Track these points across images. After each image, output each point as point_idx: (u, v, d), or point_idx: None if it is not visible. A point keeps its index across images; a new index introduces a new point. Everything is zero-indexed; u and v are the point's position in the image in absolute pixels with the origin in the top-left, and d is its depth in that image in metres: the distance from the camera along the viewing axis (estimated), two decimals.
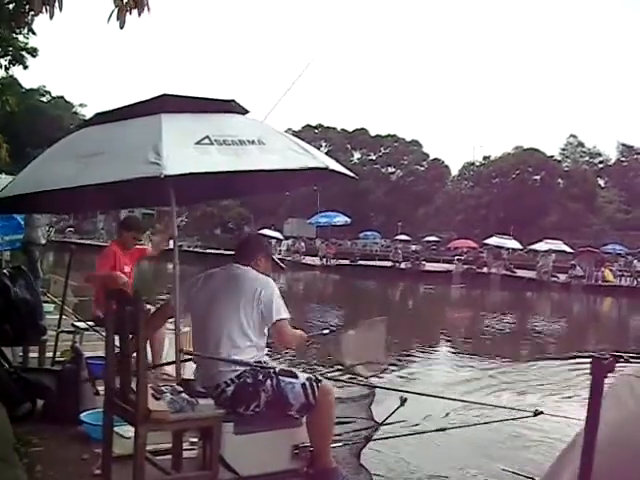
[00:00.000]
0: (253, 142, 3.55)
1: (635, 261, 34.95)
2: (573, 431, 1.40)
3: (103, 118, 3.97)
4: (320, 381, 3.68)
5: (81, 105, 62.93)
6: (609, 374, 1.42)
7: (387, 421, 4.32)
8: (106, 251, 6.13)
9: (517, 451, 6.05)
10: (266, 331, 3.76)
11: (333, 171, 3.87)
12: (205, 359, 3.75)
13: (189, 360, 3.96)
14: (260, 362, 3.66)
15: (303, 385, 3.60)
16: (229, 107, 3.92)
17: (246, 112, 4.02)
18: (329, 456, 3.72)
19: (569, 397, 8.36)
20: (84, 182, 3.38)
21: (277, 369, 3.69)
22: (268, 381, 3.58)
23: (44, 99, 59.65)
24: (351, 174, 4.20)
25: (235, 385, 3.57)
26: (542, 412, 4.56)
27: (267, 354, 3.87)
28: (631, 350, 12.87)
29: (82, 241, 40.73)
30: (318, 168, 3.72)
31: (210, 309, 3.76)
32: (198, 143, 3.41)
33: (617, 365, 1.42)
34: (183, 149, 3.38)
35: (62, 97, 62.48)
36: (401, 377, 9.50)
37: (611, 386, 1.44)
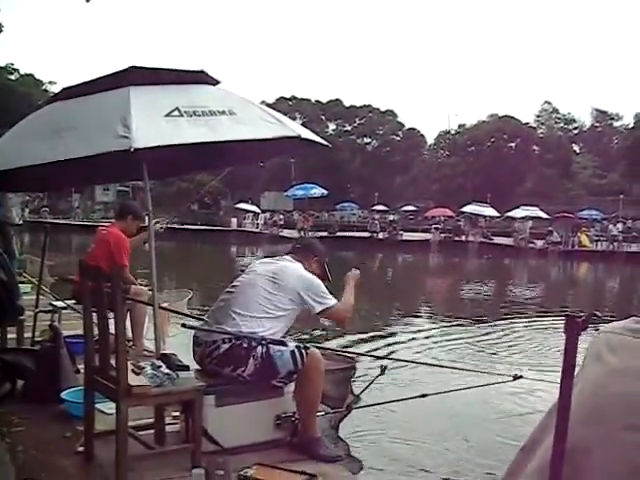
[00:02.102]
0: (224, 113, 3.53)
1: (611, 226, 35.34)
2: (553, 394, 1.41)
3: (70, 93, 3.91)
4: (309, 348, 3.70)
5: (51, 82, 61.67)
6: (582, 332, 1.42)
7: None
8: (120, 236, 5.96)
9: (497, 416, 6.13)
10: (293, 318, 3.90)
11: (306, 140, 3.85)
12: (215, 318, 3.83)
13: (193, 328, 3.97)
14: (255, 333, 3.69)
15: (292, 352, 3.64)
16: (199, 78, 3.88)
17: (217, 83, 3.97)
18: (314, 425, 3.75)
19: (546, 360, 8.48)
20: (53, 158, 3.34)
21: (268, 339, 3.71)
22: (259, 348, 3.62)
23: (12, 77, 58.51)
24: (324, 142, 4.20)
25: (231, 344, 3.63)
26: (521, 376, 4.63)
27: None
28: (606, 312, 13.07)
29: (57, 221, 40.32)
30: (290, 137, 3.70)
31: (249, 281, 3.90)
32: (168, 115, 3.38)
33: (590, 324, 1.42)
34: (152, 122, 3.35)
35: (31, 75, 61.28)
36: (381, 345, 9.57)
37: (590, 344, 1.44)
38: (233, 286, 3.95)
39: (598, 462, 1.25)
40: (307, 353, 3.65)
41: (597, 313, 1.41)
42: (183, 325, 3.96)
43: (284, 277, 3.87)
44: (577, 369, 1.45)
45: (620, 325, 1.39)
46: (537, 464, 1.38)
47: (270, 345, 3.64)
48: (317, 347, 3.95)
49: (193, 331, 3.90)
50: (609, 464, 1.24)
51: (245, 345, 3.62)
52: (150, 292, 4.78)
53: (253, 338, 3.63)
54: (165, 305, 6.12)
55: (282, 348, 3.65)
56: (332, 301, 3.88)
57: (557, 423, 1.33)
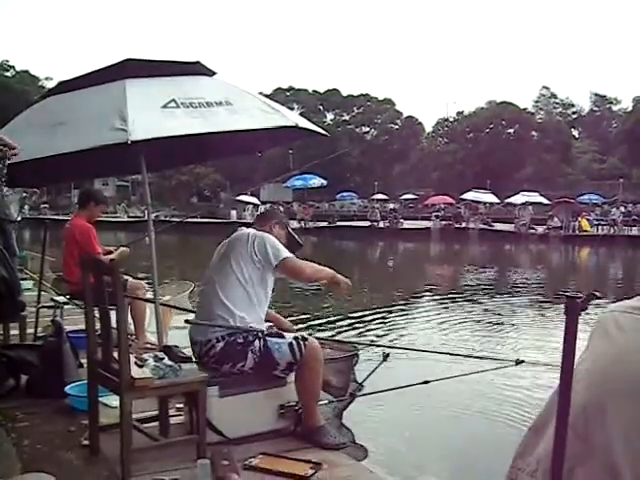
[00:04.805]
0: (220, 103, 3.52)
1: (614, 209, 35.30)
2: (556, 376, 1.41)
3: (67, 87, 3.91)
4: (306, 339, 3.70)
5: (47, 78, 61.53)
6: (582, 312, 1.42)
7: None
8: (83, 225, 5.89)
9: (500, 400, 6.15)
10: (269, 290, 3.78)
11: (303, 129, 3.84)
12: (201, 313, 3.79)
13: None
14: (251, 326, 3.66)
15: (290, 344, 3.62)
16: (195, 69, 3.88)
17: (213, 73, 3.97)
18: (317, 414, 3.75)
19: (548, 342, 8.50)
20: (50, 152, 3.34)
21: (265, 331, 3.69)
22: (256, 342, 3.60)
23: (8, 74, 58.42)
24: (321, 131, 4.18)
25: (225, 342, 3.59)
26: (523, 361, 4.62)
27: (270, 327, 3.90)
28: (609, 294, 13.08)
29: (57, 217, 40.28)
30: (288, 126, 3.69)
31: (214, 269, 3.82)
32: (164, 107, 3.37)
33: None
34: (149, 114, 3.34)
35: (27, 71, 61.19)
36: (383, 332, 9.60)
37: (596, 323, 1.44)
38: (204, 283, 3.88)
39: (616, 440, 1.25)
40: (305, 344, 3.64)
41: (596, 293, 1.40)
42: (186, 321, 3.93)
43: (238, 242, 3.77)
44: (579, 349, 1.45)
45: (627, 304, 1.39)
46: (549, 445, 1.38)
47: (268, 338, 3.62)
48: (318, 338, 3.94)
49: None
50: (628, 442, 1.24)
51: (240, 340, 3.59)
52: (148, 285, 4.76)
53: (249, 331, 3.61)
54: (167, 298, 6.13)
55: (280, 340, 3.63)
56: (289, 254, 3.74)
57: (559, 402, 1.33)
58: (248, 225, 4.04)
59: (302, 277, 3.90)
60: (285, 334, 3.73)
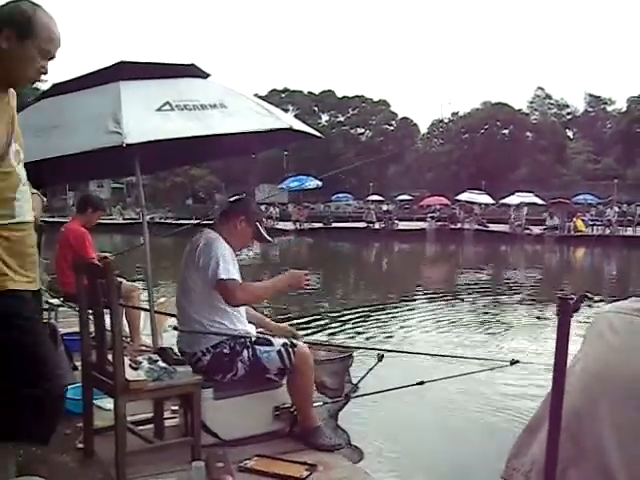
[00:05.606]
0: (215, 106, 3.52)
1: (609, 210, 35.39)
2: (550, 377, 1.41)
3: (61, 89, 3.90)
4: (295, 345, 3.67)
5: (41, 80, 61.49)
6: (575, 313, 1.43)
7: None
8: (78, 230, 5.89)
9: (496, 400, 6.16)
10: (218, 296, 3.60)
11: (298, 131, 3.85)
12: (183, 325, 3.74)
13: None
14: (236, 330, 3.64)
15: (279, 352, 3.58)
16: (189, 71, 3.88)
17: (207, 76, 3.97)
18: (312, 415, 3.74)
19: (543, 342, 8.51)
20: (45, 155, 3.33)
21: (253, 338, 3.67)
22: (245, 351, 3.56)
23: None
24: (316, 133, 4.19)
25: (211, 355, 3.55)
26: (518, 361, 4.62)
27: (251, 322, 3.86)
28: (605, 294, 13.10)
29: (53, 219, 40.19)
30: (282, 129, 3.69)
31: (180, 278, 3.76)
32: (159, 110, 3.37)
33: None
34: (144, 116, 3.34)
35: None
36: (378, 332, 9.60)
37: (591, 324, 1.45)
38: (176, 292, 3.82)
39: (609, 442, 1.25)
40: (294, 350, 3.59)
41: (588, 294, 1.41)
42: (175, 328, 3.90)
43: (189, 250, 3.62)
44: (574, 348, 1.45)
45: (621, 305, 1.40)
46: (544, 446, 1.39)
47: (256, 346, 3.59)
48: (310, 343, 3.91)
49: None
50: (622, 445, 1.25)
51: (226, 351, 3.54)
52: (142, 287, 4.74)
53: (236, 337, 3.59)
54: (162, 300, 6.12)
55: (268, 348, 3.59)
56: (227, 276, 3.46)
57: (552, 402, 1.34)
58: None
59: (235, 303, 3.60)
60: (274, 340, 3.67)
